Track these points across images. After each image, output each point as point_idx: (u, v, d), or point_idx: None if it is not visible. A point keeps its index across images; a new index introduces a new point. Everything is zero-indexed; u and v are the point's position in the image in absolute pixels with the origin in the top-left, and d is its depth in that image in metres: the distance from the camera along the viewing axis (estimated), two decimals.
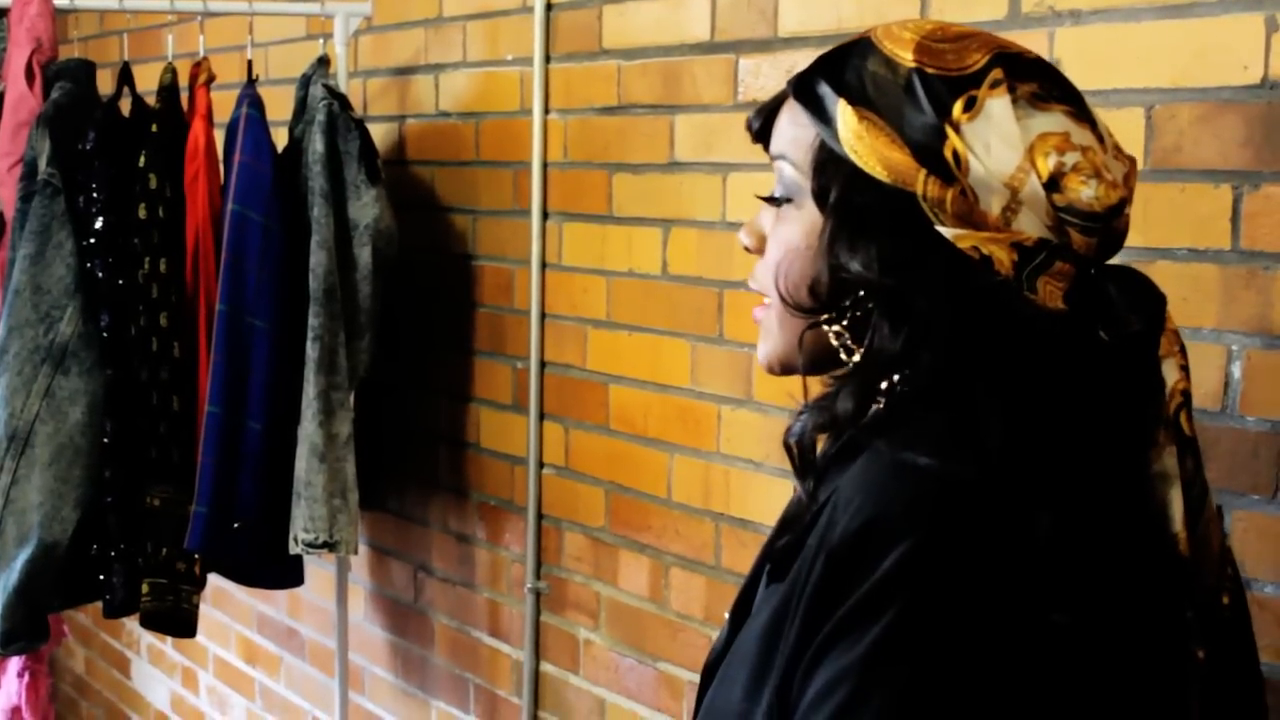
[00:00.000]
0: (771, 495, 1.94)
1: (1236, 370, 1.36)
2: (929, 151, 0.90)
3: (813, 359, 0.99)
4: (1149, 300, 0.93)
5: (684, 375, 2.07)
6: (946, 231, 0.90)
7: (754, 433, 1.96)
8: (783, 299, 0.97)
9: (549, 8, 2.27)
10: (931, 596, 0.82)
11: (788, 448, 1.01)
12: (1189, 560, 0.91)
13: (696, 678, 2.05)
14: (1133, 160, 0.95)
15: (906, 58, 0.92)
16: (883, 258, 0.91)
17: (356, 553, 2.42)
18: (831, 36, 1.78)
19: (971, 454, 0.86)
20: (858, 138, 0.92)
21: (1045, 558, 0.84)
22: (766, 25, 1.90)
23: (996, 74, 0.91)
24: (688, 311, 2.06)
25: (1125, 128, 1.44)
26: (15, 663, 2.87)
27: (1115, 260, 0.96)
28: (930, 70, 0.91)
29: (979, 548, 0.83)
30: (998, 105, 0.90)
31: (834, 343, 0.96)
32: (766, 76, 1.91)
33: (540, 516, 2.37)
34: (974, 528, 0.84)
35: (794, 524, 0.97)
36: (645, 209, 2.13)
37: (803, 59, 1.82)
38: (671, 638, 2.12)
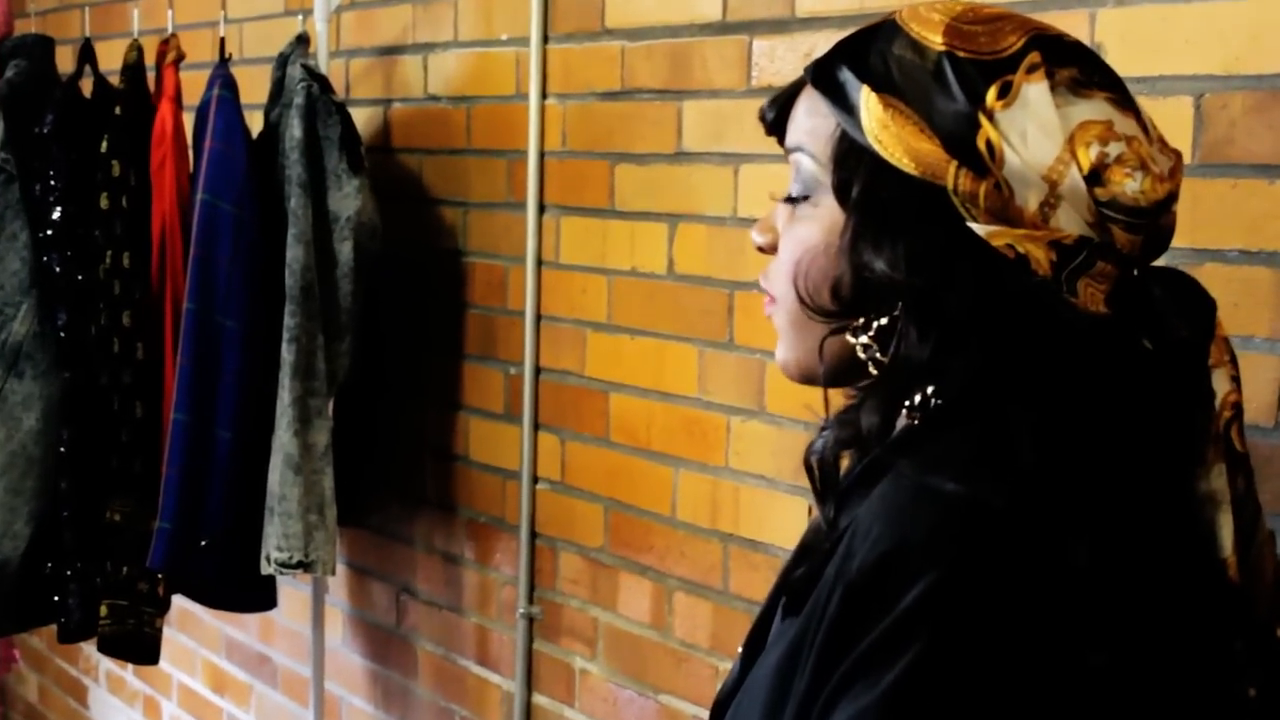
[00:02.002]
0: (785, 514, 1.94)
1: None
2: (960, 141, 0.90)
3: (835, 370, 0.98)
4: (1197, 305, 0.93)
5: (691, 383, 2.07)
6: (979, 228, 0.90)
7: (766, 446, 1.96)
8: (803, 301, 0.97)
9: None
10: (956, 635, 0.82)
11: (808, 467, 1.00)
12: (1240, 588, 0.91)
13: (701, 712, 2.05)
14: (1178, 154, 0.95)
15: (936, 41, 0.92)
16: (910, 256, 0.91)
17: (334, 573, 2.42)
18: (853, 17, 1.78)
19: (1002, 478, 0.85)
20: (883, 127, 0.92)
21: (1081, 592, 0.83)
22: (783, 4, 1.90)
23: (1033, 58, 0.91)
24: (695, 314, 2.06)
25: (1172, 118, 1.44)
26: None
27: (1159, 262, 0.96)
28: (961, 54, 0.91)
29: (1009, 581, 0.83)
30: (1035, 91, 0.90)
31: (860, 355, 0.96)
32: (782, 60, 1.91)
33: (534, 535, 2.37)
34: (1003, 559, 0.83)
35: (811, 553, 0.96)
36: (650, 203, 2.13)
37: (822, 41, 1.82)
38: (675, 668, 2.12)
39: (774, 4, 1.91)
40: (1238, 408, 0.92)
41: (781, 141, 1.03)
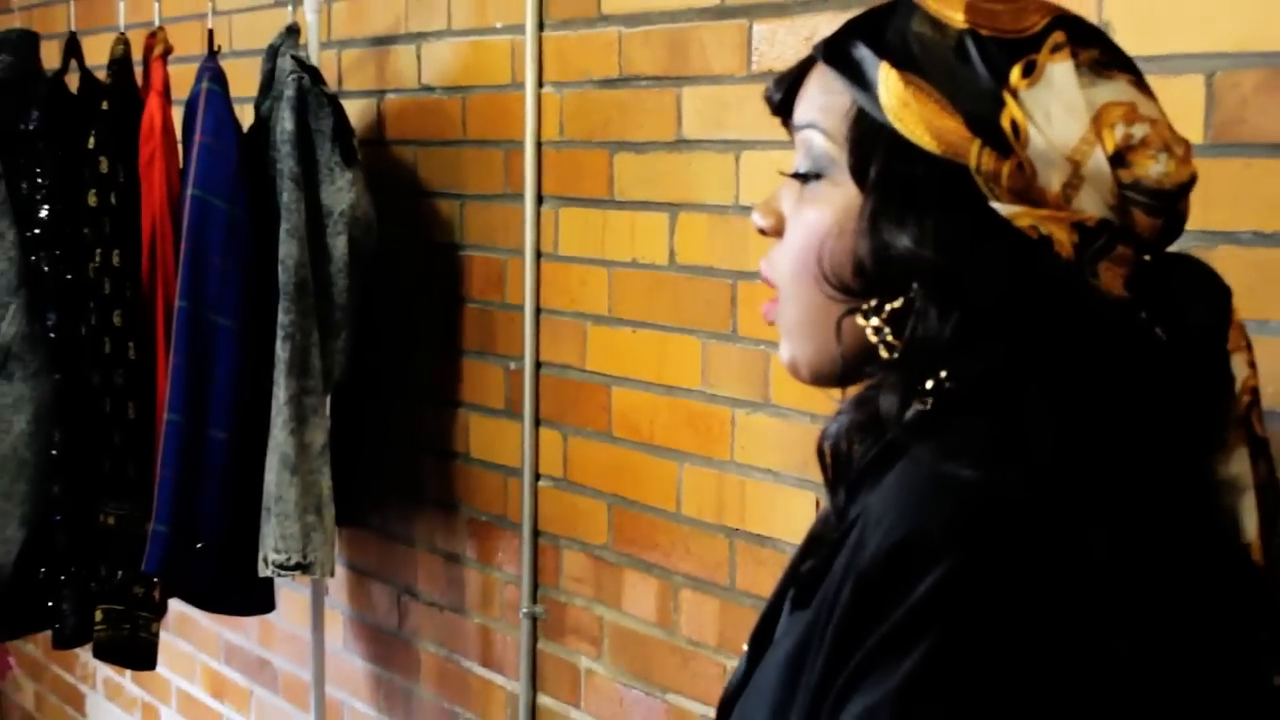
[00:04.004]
0: (791, 508, 1.93)
1: None
2: (984, 120, 0.90)
3: (851, 359, 0.97)
4: (1214, 290, 0.93)
5: (694, 376, 2.07)
6: (1002, 208, 0.89)
7: (772, 439, 1.96)
8: (826, 280, 0.96)
9: None
10: (972, 625, 0.81)
11: (821, 453, 1.00)
12: (1264, 575, 0.91)
13: (709, 711, 2.05)
14: (1187, 143, 0.95)
15: (957, 18, 0.92)
16: (935, 235, 0.91)
17: (333, 574, 2.42)
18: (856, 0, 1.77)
19: (1021, 465, 0.85)
20: (903, 105, 0.91)
21: (1101, 582, 0.83)
22: None
23: (1057, 37, 0.91)
24: (698, 305, 2.05)
25: (1183, 97, 1.44)
26: None
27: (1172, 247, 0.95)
28: (985, 32, 0.92)
29: (1026, 571, 0.82)
30: (1060, 71, 0.91)
31: (873, 338, 0.95)
32: (783, 44, 1.90)
33: (536, 533, 2.37)
34: (1021, 548, 0.83)
35: (820, 543, 0.96)
36: (650, 192, 2.12)
37: (824, 24, 1.81)
38: (682, 666, 2.12)
39: None
40: (1256, 392, 0.92)
41: (786, 123, 1.02)
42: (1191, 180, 0.93)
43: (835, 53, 0.97)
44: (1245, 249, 1.41)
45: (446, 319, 2.53)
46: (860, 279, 0.95)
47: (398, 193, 2.60)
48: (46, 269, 2.39)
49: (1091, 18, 1.40)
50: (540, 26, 2.28)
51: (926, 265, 0.91)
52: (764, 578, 1.97)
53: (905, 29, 0.94)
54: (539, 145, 2.30)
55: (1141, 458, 0.89)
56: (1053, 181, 0.90)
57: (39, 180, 2.39)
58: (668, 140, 2.09)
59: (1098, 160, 0.90)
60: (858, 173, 0.95)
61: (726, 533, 2.04)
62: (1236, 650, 0.89)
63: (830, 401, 1.02)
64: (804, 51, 1.00)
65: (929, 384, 0.92)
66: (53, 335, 2.39)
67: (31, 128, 2.39)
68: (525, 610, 2.38)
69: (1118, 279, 0.90)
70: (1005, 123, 0.90)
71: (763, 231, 1.03)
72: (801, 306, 0.99)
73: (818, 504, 1.01)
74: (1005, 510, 0.84)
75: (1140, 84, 0.93)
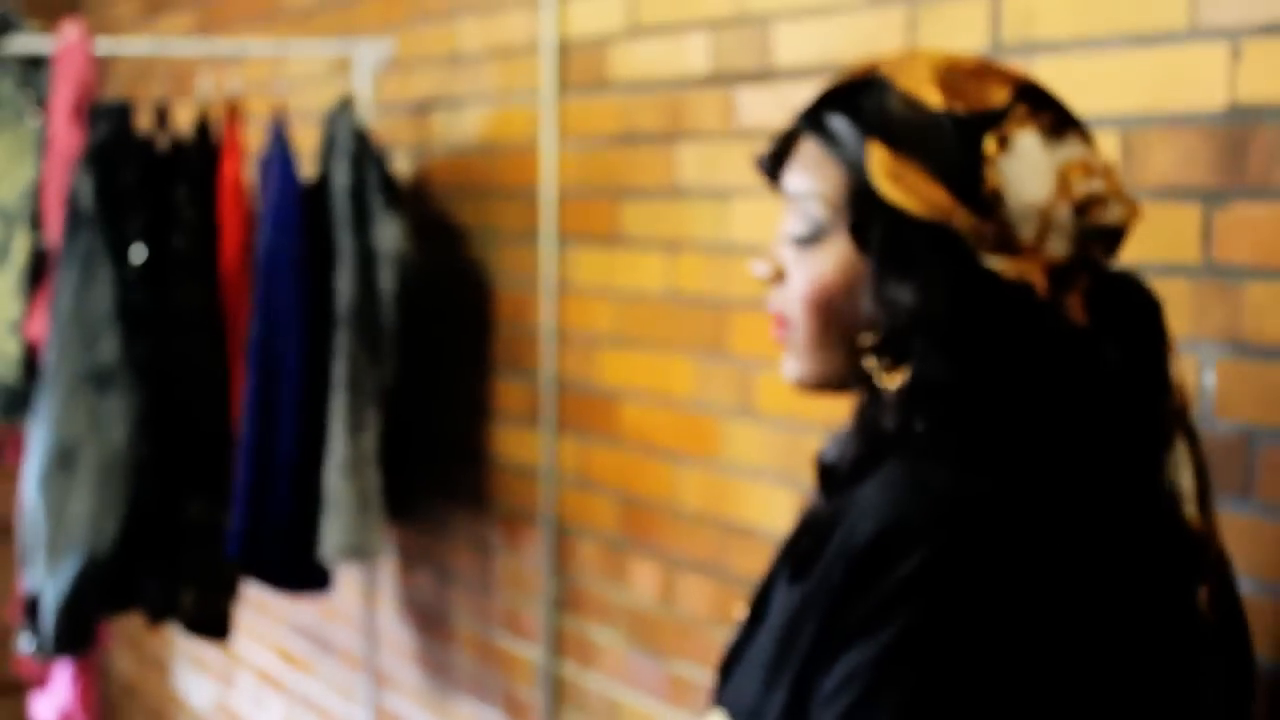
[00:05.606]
0: (773, 501, 1.93)
1: (1209, 378, 1.36)
2: (966, 187, 0.90)
3: (844, 379, 0.99)
4: (1151, 304, 0.96)
5: (690, 389, 2.07)
6: (987, 261, 0.90)
7: (756, 442, 1.96)
8: (841, 337, 0.97)
9: (560, 46, 2.28)
10: (944, 604, 0.83)
11: (824, 467, 1.00)
12: (1199, 533, 0.93)
13: (704, 675, 2.05)
14: (1112, 167, 0.97)
15: (933, 97, 0.92)
16: (931, 291, 0.91)
17: (382, 560, 2.42)
18: (825, 68, 1.78)
19: (992, 471, 0.87)
20: (892, 177, 0.91)
21: (1055, 573, 0.85)
22: (763, 58, 1.90)
23: (1022, 109, 0.92)
24: (693, 329, 2.06)
25: (1103, 149, 1.44)
26: (64, 667, 2.88)
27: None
28: (958, 108, 0.92)
29: (991, 560, 0.85)
30: (1027, 140, 0.91)
31: (877, 368, 0.96)
32: (762, 106, 1.91)
33: (556, 525, 2.38)
34: (987, 541, 0.85)
35: (816, 527, 0.96)
36: (652, 232, 2.13)
37: (799, 89, 1.82)
38: (681, 638, 2.12)
39: (755, 58, 1.92)
40: (1183, 390, 0.95)
41: (774, 179, 1.02)
42: (1137, 217, 0.95)
43: (822, 127, 0.96)
44: (1154, 279, 1.42)
45: (478, 342, 2.54)
46: (870, 331, 0.95)
47: (438, 235, 2.61)
48: (140, 302, 2.41)
49: None
50: (558, 93, 2.30)
51: (927, 316, 0.92)
52: (750, 561, 1.97)
53: (885, 106, 0.93)
54: (558, 193, 2.32)
55: (1097, 459, 0.90)
56: (1026, 233, 0.91)
57: (134, 228, 2.41)
58: (666, 189, 2.10)
59: (1064, 212, 0.91)
60: (857, 236, 0.95)
61: (718, 523, 2.04)
62: (1171, 591, 0.91)
63: (803, 411, 1.03)
64: (778, 112, 1.00)
65: (923, 404, 0.93)
66: (146, 358, 2.41)
67: (128, 183, 2.41)
68: (547, 590, 2.38)
69: (1079, 305, 0.92)
70: (984, 189, 0.90)
71: (764, 279, 1.03)
72: (809, 337, 0.99)
73: (803, 499, 1.01)
74: (974, 508, 0.86)
75: (1085, 135, 0.95)
